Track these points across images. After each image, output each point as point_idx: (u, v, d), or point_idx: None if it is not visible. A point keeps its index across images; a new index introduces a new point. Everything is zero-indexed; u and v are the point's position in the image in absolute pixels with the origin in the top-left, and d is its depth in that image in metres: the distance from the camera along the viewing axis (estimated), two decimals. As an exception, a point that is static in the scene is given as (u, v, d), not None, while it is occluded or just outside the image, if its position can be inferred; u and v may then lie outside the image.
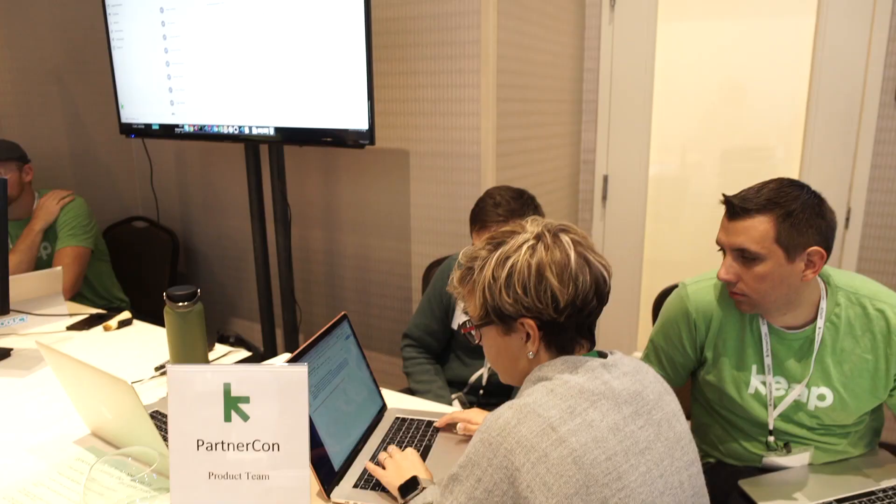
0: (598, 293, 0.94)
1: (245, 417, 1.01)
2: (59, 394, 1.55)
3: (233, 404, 1.01)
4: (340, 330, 1.39)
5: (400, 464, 1.14)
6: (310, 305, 2.77)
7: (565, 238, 0.94)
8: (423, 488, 1.07)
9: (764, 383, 1.36)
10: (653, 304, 1.85)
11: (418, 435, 1.35)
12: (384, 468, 1.16)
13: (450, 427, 1.37)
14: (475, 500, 0.83)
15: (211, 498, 1.01)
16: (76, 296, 2.38)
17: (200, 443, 1.01)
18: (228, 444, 1.01)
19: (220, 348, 1.83)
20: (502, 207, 1.60)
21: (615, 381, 0.90)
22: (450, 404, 1.78)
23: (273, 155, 2.26)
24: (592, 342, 0.98)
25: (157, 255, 2.81)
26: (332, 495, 1.13)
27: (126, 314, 2.03)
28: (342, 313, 1.43)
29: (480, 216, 1.63)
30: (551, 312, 0.91)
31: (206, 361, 1.60)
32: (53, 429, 1.38)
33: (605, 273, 0.95)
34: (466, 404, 1.84)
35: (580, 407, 0.85)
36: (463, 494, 0.84)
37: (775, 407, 1.36)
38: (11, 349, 1.79)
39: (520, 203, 1.61)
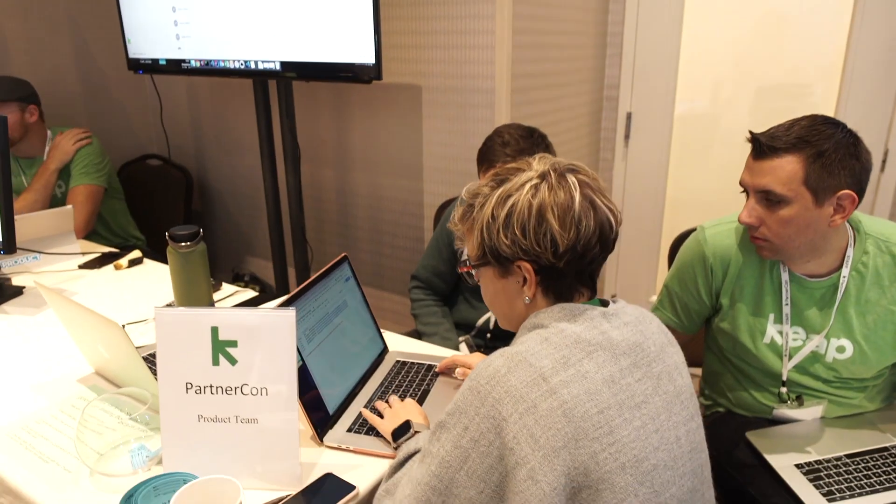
0: (603, 240, 0.88)
1: (233, 361, 0.99)
2: (66, 333, 1.56)
3: (220, 348, 0.99)
4: (340, 272, 1.36)
5: (398, 412, 1.13)
6: (322, 245, 2.75)
7: (572, 179, 0.87)
8: (416, 433, 1.05)
9: (780, 333, 1.31)
10: (670, 247, 1.78)
11: (417, 379, 1.33)
12: (383, 418, 1.14)
13: (450, 371, 1.35)
14: (461, 448, 0.80)
15: (201, 440, 1.01)
16: (91, 234, 2.38)
17: (189, 386, 1.00)
18: (217, 388, 1.00)
19: (227, 288, 1.82)
20: (511, 147, 1.53)
21: (614, 331, 0.85)
22: (456, 347, 1.76)
23: (281, 91, 2.20)
24: (593, 290, 0.93)
25: (171, 194, 2.80)
26: (325, 439, 1.12)
27: (136, 253, 2.03)
28: (342, 255, 1.40)
29: (488, 155, 1.56)
30: (550, 257, 0.86)
31: (211, 302, 1.59)
32: (59, 367, 1.40)
33: (612, 219, 0.89)
34: (473, 347, 1.81)
35: (574, 357, 0.81)
36: (449, 442, 0.81)
37: (790, 358, 1.31)
38: (24, 287, 1.80)
39: (529, 142, 1.54)
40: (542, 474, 0.75)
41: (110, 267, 1.97)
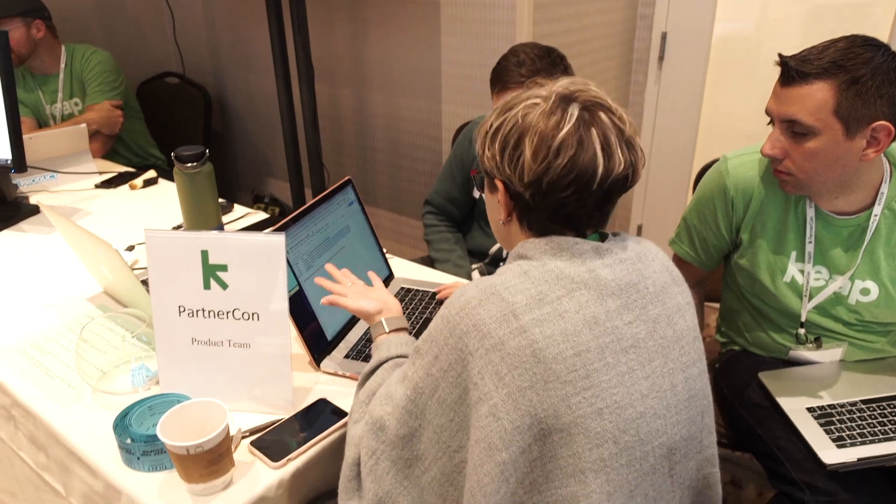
0: (580, 185, 0.78)
1: (224, 286, 0.98)
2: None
3: (211, 272, 0.97)
4: (343, 195, 1.32)
5: (363, 288, 1.08)
6: (340, 167, 2.71)
7: (573, 109, 0.78)
8: (394, 331, 1.02)
9: (802, 272, 1.24)
10: (694, 178, 1.69)
11: (420, 306, 1.31)
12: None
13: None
14: (432, 377, 0.79)
15: (195, 363, 1.01)
16: (111, 154, 2.38)
17: (182, 309, 0.99)
18: (209, 312, 0.99)
19: (238, 209, 1.80)
20: (526, 67, 1.43)
21: (605, 269, 0.80)
22: (469, 275, 1.73)
23: (293, 5, 2.10)
24: (579, 233, 0.84)
25: (190, 113, 2.77)
26: (321, 365, 1.12)
27: (151, 173, 2.02)
28: (346, 178, 1.36)
29: (501, 75, 1.47)
30: (517, 184, 0.80)
31: (219, 223, 1.58)
32: (69, 286, 1.41)
33: (603, 169, 0.77)
34: (486, 275, 1.78)
35: (553, 294, 0.76)
36: (422, 369, 0.80)
37: (811, 298, 1.24)
38: (40, 206, 1.81)
39: (546, 62, 1.44)
40: (505, 412, 0.72)
41: (126, 187, 1.97)
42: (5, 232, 1.67)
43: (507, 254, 1.71)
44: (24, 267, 1.50)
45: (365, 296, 1.07)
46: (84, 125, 2.00)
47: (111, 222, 1.73)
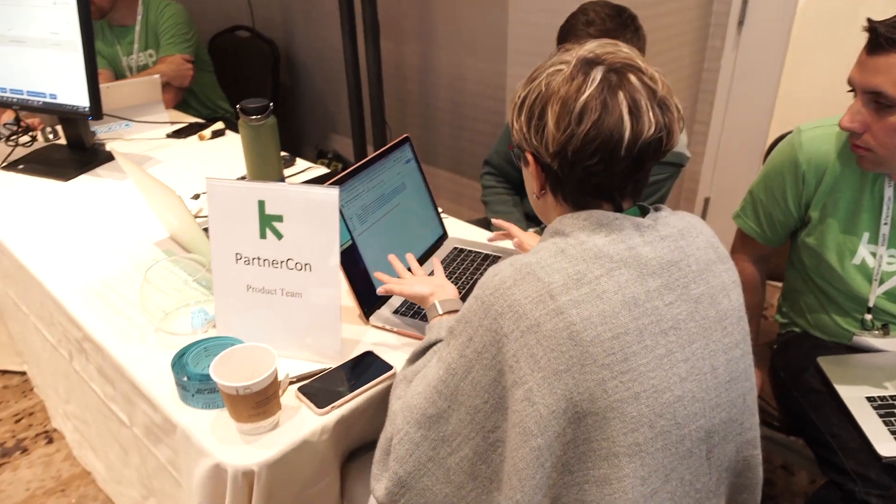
0: (606, 152, 0.74)
1: (279, 236, 1.00)
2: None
3: (267, 222, 1.00)
4: (400, 153, 1.32)
5: (424, 280, 1.09)
6: (402, 125, 2.71)
7: (596, 72, 0.75)
8: (447, 313, 1.02)
9: (874, 255, 1.17)
10: (767, 149, 1.61)
11: (472, 268, 1.31)
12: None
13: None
14: (466, 358, 0.77)
15: (249, 309, 1.05)
16: (182, 105, 2.45)
17: (238, 257, 1.03)
18: (264, 261, 1.02)
19: (300, 163, 1.84)
20: (595, 26, 1.38)
21: (645, 246, 0.77)
22: (523, 240, 1.72)
23: (363, -41, 2.09)
24: (615, 206, 0.82)
25: (259, 66, 2.81)
26: (370, 318, 1.14)
27: (219, 125, 2.08)
28: (404, 136, 1.36)
29: (568, 35, 1.43)
30: (544, 154, 0.78)
31: (280, 176, 1.62)
32: (139, 230, 1.48)
33: (631, 133, 0.73)
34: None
35: (591, 274, 0.74)
36: (456, 350, 0.79)
37: (882, 283, 1.18)
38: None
39: (617, 22, 1.39)
40: (540, 396, 0.71)
41: (195, 137, 2.04)
42: (83, 177, 1.76)
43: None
44: (99, 210, 1.58)
45: (420, 281, 1.08)
46: (157, 76, 2.07)
47: (179, 171, 1.80)
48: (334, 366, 1.04)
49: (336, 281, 1.01)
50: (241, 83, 2.83)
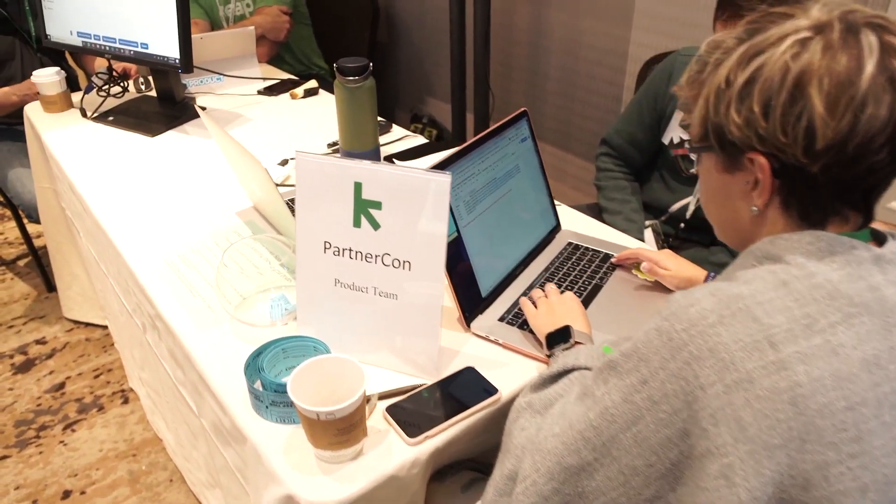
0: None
1: (376, 225, 0.84)
2: (234, 159, 1.53)
3: (363, 208, 0.84)
4: (516, 130, 1.13)
5: (554, 307, 0.93)
6: (506, 93, 2.49)
7: (869, 38, 0.55)
8: (575, 343, 0.86)
9: None
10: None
11: (589, 270, 1.11)
12: (536, 308, 0.96)
13: (629, 265, 1.12)
14: (632, 404, 0.58)
15: (336, 306, 0.90)
16: (276, 59, 2.33)
17: (327, 245, 0.87)
18: (356, 253, 0.86)
19: (397, 130, 1.68)
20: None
21: (890, 287, 0.56)
22: (641, 233, 1.50)
23: None
24: (867, 217, 0.62)
25: (358, 22, 2.65)
26: (472, 325, 0.97)
27: (312, 83, 1.94)
28: (521, 109, 1.16)
29: (731, -4, 1.18)
30: (799, 154, 0.57)
31: (375, 143, 1.46)
32: (221, 196, 1.36)
33: None
34: (661, 236, 1.54)
35: (825, 320, 0.54)
36: (618, 392, 0.60)
37: None
38: (205, 108, 1.79)
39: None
40: (743, 476, 0.52)
41: (287, 95, 1.91)
42: (170, 133, 1.66)
43: (693, 214, 1.45)
44: (182, 172, 1.47)
45: (552, 312, 0.93)
46: (252, 28, 1.95)
47: (268, 131, 1.67)
48: (429, 382, 0.88)
49: (440, 285, 0.84)
50: (336, 38, 2.69)
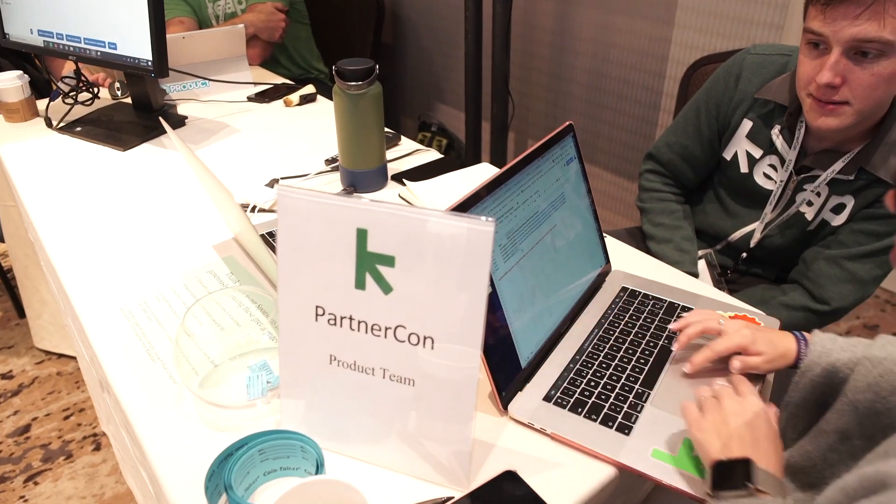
0: None
1: (387, 288, 0.61)
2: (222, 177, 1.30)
3: (369, 264, 0.61)
4: (561, 149, 0.90)
5: (729, 420, 0.66)
6: (526, 99, 2.26)
7: None
8: (757, 492, 0.59)
9: None
10: None
11: (653, 325, 0.88)
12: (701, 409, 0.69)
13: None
14: None
15: (331, 391, 0.67)
16: (270, 62, 2.11)
17: (320, 311, 0.64)
18: (360, 323, 0.63)
19: (406, 144, 1.45)
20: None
21: None
22: (694, 265, 1.27)
23: None
24: None
25: (361, 22, 2.44)
26: (509, 407, 0.74)
27: (309, 88, 1.71)
28: (567, 123, 0.93)
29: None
30: None
31: (382, 160, 1.24)
32: (196, 226, 1.13)
33: None
34: (716, 269, 1.31)
35: None
36: None
37: None
38: (187, 117, 1.57)
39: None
40: None
41: (281, 102, 1.69)
42: (145, 146, 1.44)
43: (758, 243, 1.22)
44: (153, 193, 1.24)
45: (726, 421, 0.66)
46: (242, 26, 1.72)
47: (258, 144, 1.45)
48: (458, 495, 0.65)
49: (474, 369, 0.61)
50: (337, 40, 2.47)
